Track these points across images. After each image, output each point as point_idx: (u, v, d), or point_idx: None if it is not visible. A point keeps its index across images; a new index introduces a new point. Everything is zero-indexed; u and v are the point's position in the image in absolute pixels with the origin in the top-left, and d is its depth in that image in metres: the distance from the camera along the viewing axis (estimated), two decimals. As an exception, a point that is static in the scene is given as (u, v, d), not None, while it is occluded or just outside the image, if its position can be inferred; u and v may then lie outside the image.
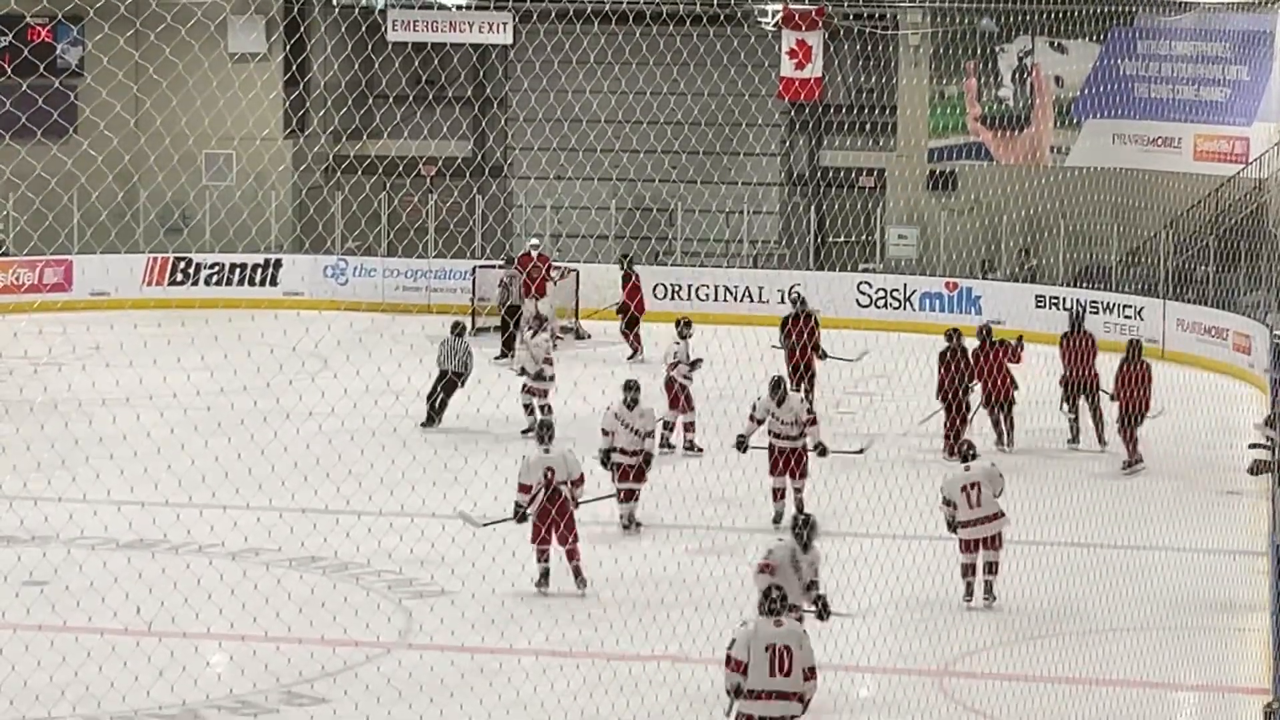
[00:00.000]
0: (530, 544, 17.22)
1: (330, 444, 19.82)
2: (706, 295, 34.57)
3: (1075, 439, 23.75)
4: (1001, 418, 23.53)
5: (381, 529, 17.97)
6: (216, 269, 35.62)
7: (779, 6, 36.15)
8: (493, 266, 32.72)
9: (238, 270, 35.66)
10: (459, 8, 37.20)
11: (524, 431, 23.21)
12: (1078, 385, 23.54)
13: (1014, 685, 14.82)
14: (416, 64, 37.03)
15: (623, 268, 31.31)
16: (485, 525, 17.36)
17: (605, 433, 19.61)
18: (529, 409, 23.72)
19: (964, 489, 17.23)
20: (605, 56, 35.08)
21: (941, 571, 17.73)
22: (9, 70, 32.51)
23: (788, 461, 19.67)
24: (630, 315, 30.63)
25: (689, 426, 23.09)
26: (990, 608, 17.03)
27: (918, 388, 24.19)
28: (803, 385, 24.54)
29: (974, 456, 17.53)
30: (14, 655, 13.70)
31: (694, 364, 23.21)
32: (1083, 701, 14.57)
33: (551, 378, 23.89)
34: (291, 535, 17.73)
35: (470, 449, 20.69)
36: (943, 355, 23.28)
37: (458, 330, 25.52)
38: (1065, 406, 23.65)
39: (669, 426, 22.89)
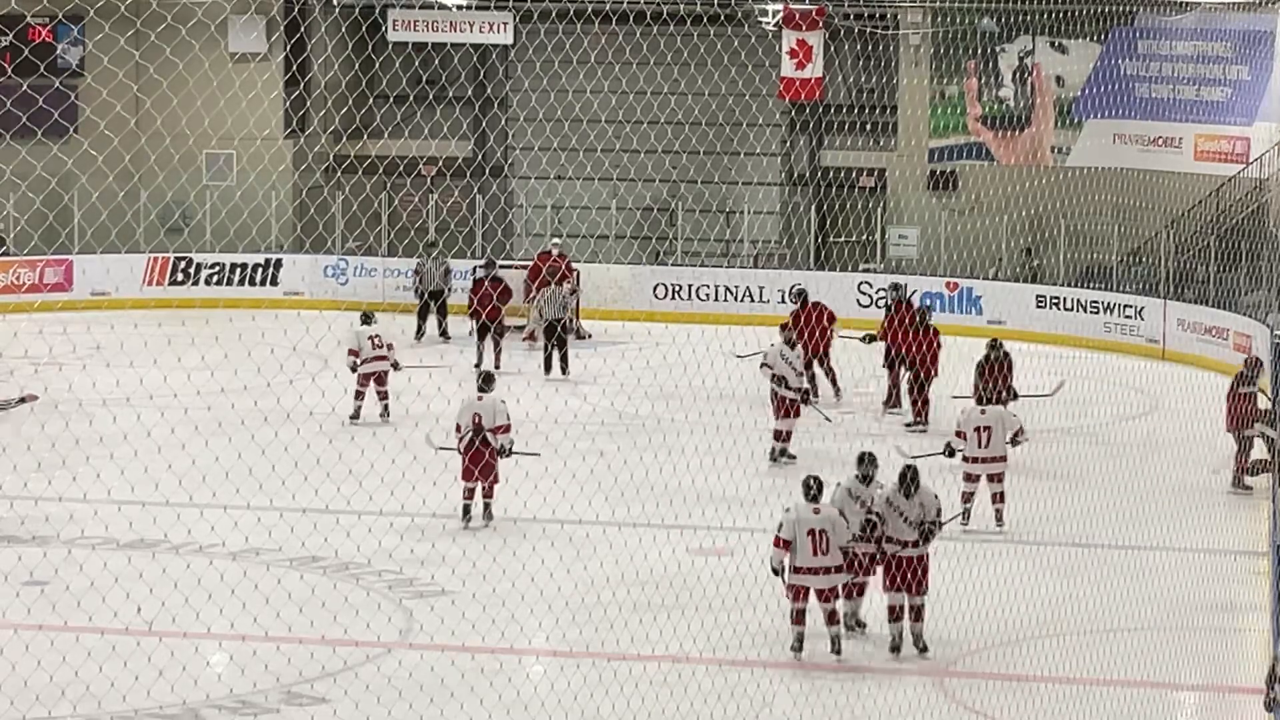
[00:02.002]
0: (460, 481, 19.15)
1: (330, 444, 19.82)
2: (706, 295, 34.56)
3: (893, 405, 25.28)
4: (821, 372, 25.87)
5: (382, 529, 17.97)
6: (217, 269, 35.62)
7: (779, 6, 36.15)
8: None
9: (238, 270, 35.67)
10: (459, 8, 37.19)
11: (352, 417, 24.07)
12: (896, 359, 25.19)
13: (1014, 685, 14.82)
14: (417, 64, 37.03)
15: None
16: (439, 450, 19.68)
17: (879, 520, 15.94)
18: (361, 395, 24.33)
19: (977, 429, 19.37)
20: (605, 56, 35.10)
21: (942, 572, 17.74)
22: (9, 70, 32.53)
23: (904, 569, 15.75)
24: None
25: (781, 435, 22.56)
26: (1001, 532, 19.15)
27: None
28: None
29: (990, 400, 20.03)
30: (14, 655, 13.70)
31: (776, 378, 22.47)
32: (1083, 701, 14.57)
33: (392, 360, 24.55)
34: (292, 535, 17.72)
35: (470, 449, 20.64)
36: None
37: (558, 281, 28.92)
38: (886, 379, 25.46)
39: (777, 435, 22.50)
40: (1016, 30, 35.67)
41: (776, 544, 15.37)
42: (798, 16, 36.12)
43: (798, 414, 22.55)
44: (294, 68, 36.58)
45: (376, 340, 24.46)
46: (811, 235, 36.53)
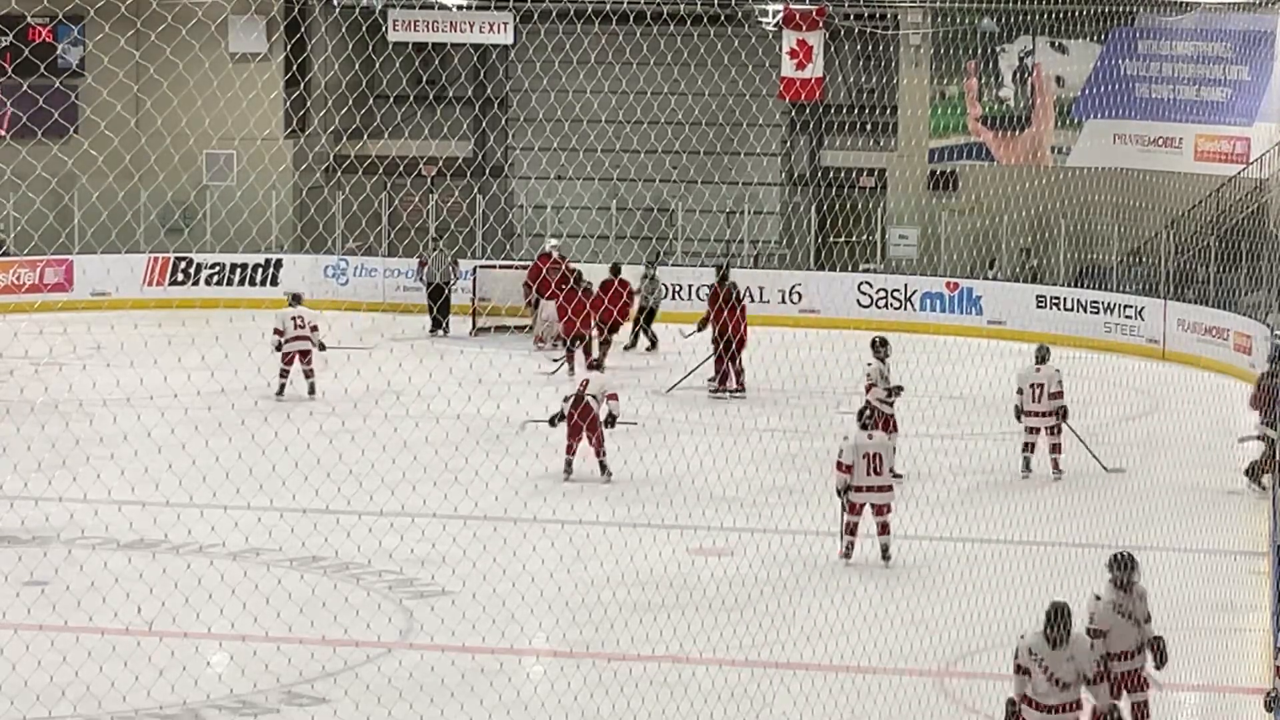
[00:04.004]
0: (565, 440, 20.93)
1: (330, 444, 19.80)
2: (707, 295, 34.51)
3: (721, 387, 26.84)
4: (607, 338, 28.82)
5: (382, 529, 17.95)
6: (217, 269, 35.63)
7: (779, 6, 36.16)
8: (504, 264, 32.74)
9: (238, 270, 35.67)
10: (459, 8, 37.20)
11: (278, 394, 25.49)
12: (730, 337, 26.70)
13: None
14: (417, 64, 37.06)
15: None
16: (532, 421, 22.05)
17: (1097, 632, 12.79)
18: (285, 374, 25.82)
19: (1032, 385, 21.44)
20: (605, 56, 35.11)
21: (942, 571, 17.74)
22: (10, 70, 32.56)
23: None
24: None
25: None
26: (1057, 480, 21.31)
27: (918, 388, 24.21)
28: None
29: (1046, 359, 21.59)
30: (14, 655, 13.69)
31: (891, 390, 21.83)
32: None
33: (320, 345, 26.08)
34: (292, 535, 17.72)
35: (470, 448, 20.68)
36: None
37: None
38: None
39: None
40: (1016, 30, 35.68)
41: (839, 469, 17.59)
42: (798, 16, 36.12)
43: (892, 430, 21.60)
44: (294, 68, 36.60)
45: (299, 321, 26.05)
46: (811, 235, 36.53)
